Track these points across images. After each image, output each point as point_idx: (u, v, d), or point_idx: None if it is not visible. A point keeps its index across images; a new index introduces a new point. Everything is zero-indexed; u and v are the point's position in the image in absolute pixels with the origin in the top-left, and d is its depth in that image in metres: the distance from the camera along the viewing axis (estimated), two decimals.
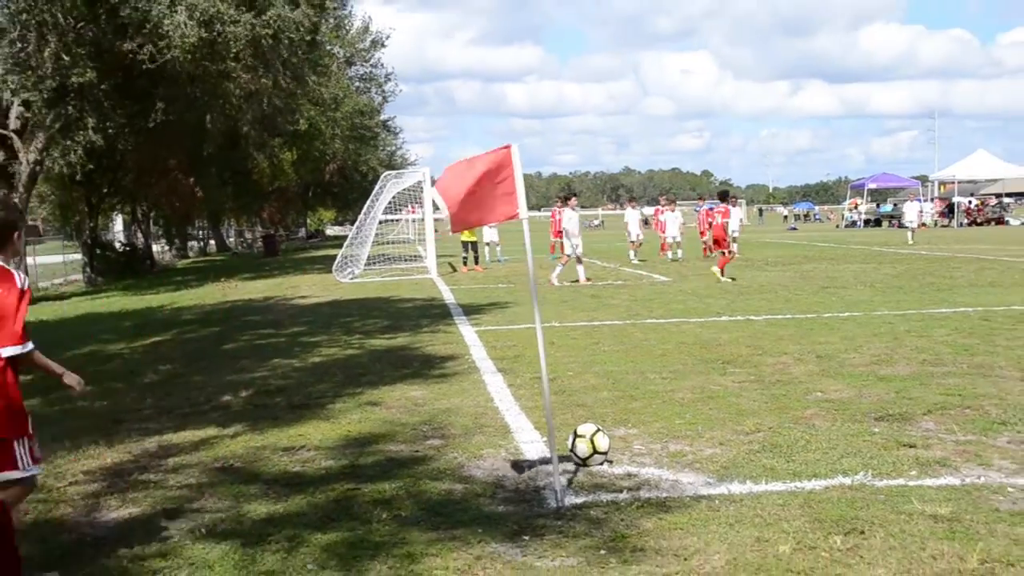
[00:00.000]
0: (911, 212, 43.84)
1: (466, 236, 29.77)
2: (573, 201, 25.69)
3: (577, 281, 22.89)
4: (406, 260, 32.55)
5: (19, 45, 26.96)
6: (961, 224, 60.61)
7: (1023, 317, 14.26)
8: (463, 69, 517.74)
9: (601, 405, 8.93)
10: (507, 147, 6.46)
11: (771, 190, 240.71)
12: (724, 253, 23.62)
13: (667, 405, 8.86)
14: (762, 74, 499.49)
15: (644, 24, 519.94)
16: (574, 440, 6.95)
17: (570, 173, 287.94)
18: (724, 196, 25.91)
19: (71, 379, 5.41)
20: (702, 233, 33.64)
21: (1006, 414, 8.12)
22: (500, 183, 6.44)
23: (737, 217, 34.12)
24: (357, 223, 32.79)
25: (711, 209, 30.08)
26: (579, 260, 23.82)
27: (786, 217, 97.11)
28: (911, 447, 7.17)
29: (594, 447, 6.88)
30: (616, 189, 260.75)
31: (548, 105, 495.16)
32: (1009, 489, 6.18)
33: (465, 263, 30.17)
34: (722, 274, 22.69)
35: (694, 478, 6.58)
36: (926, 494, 6.06)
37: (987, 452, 7.02)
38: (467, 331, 14.66)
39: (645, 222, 42.08)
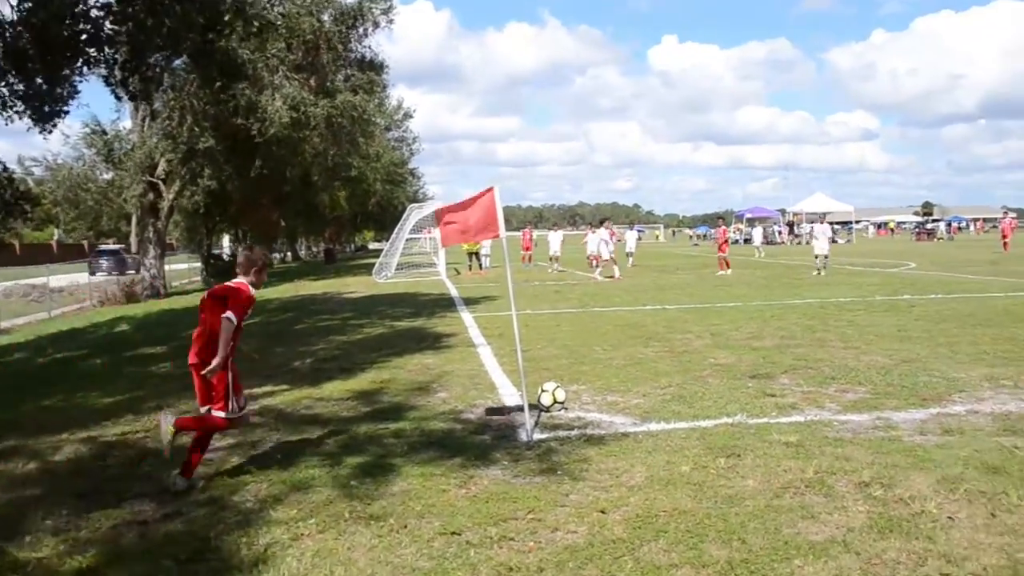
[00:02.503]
0: (757, 236, 43.65)
1: (468, 247, 29.61)
2: (607, 223, 26.93)
3: (612, 277, 23.25)
4: (424, 267, 32.44)
5: (167, 122, 27.11)
6: (808, 242, 60.99)
7: (844, 305, 14.38)
8: (465, 133, 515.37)
9: (560, 369, 8.93)
10: (491, 189, 6.46)
11: (681, 218, 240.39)
12: (724, 259, 25.20)
13: (607, 368, 8.87)
14: (672, 137, 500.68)
15: (591, 103, 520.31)
16: (540, 393, 6.94)
17: (541, 205, 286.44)
18: (719, 218, 27.25)
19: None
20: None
21: (835, 372, 8.20)
22: (487, 212, 6.44)
23: (634, 238, 33.95)
24: (390, 240, 32.72)
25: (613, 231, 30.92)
26: (614, 262, 24.46)
27: (691, 237, 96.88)
28: (772, 396, 7.21)
29: (555, 398, 6.88)
30: (573, 217, 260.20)
31: (525, 158, 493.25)
32: (835, 423, 6.23)
33: (470, 268, 30.02)
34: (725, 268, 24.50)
35: (624, 420, 6.58)
36: (781, 428, 6.09)
37: (821, 398, 7.08)
38: (466, 316, 14.63)
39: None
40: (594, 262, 25.03)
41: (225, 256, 44.02)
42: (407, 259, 32.65)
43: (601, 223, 27.20)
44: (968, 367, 8.28)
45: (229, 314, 5.23)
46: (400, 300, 19.23)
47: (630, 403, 7.16)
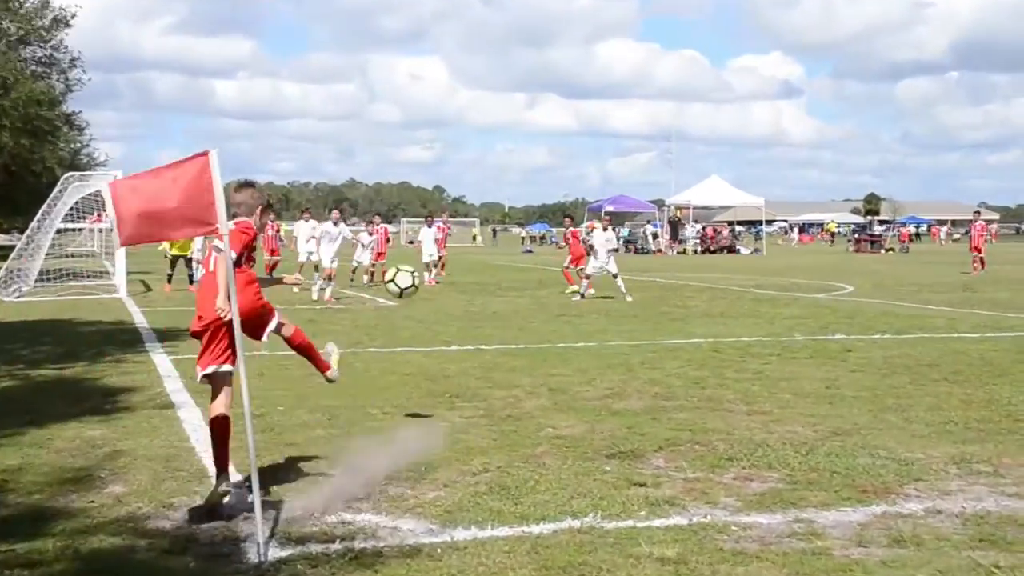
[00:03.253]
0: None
1: (176, 250, 28.85)
2: (336, 215, 28.63)
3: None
4: (89, 276, 31.27)
5: None
6: (696, 251, 64.22)
7: (749, 348, 15.33)
8: (162, 59, 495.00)
9: (315, 444, 8.86)
10: (204, 153, 6.34)
11: (507, 209, 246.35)
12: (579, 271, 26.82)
13: None
14: (497, 84, 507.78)
15: (371, 24, 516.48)
16: (397, 272, 8.40)
17: (288, 183, 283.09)
18: (566, 215, 28.89)
19: (289, 279, 8.87)
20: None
21: (733, 449, 8.66)
22: (196, 193, 6.31)
23: (431, 238, 34.53)
24: (28, 232, 31.38)
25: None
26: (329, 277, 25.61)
27: (523, 239, 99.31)
28: (641, 486, 7.49)
29: (414, 282, 7.83)
30: (340, 202, 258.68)
31: (263, 105, 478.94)
32: (733, 528, 6.56)
33: (169, 281, 29.16)
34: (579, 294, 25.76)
35: (415, 524, 6.61)
36: (654, 535, 6.33)
37: (714, 490, 7.44)
38: (161, 360, 14.23)
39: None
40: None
41: None
42: (60, 264, 31.45)
43: (333, 212, 28.40)
44: (927, 443, 8.96)
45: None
46: (44, 331, 18.64)
47: (424, 498, 7.21)
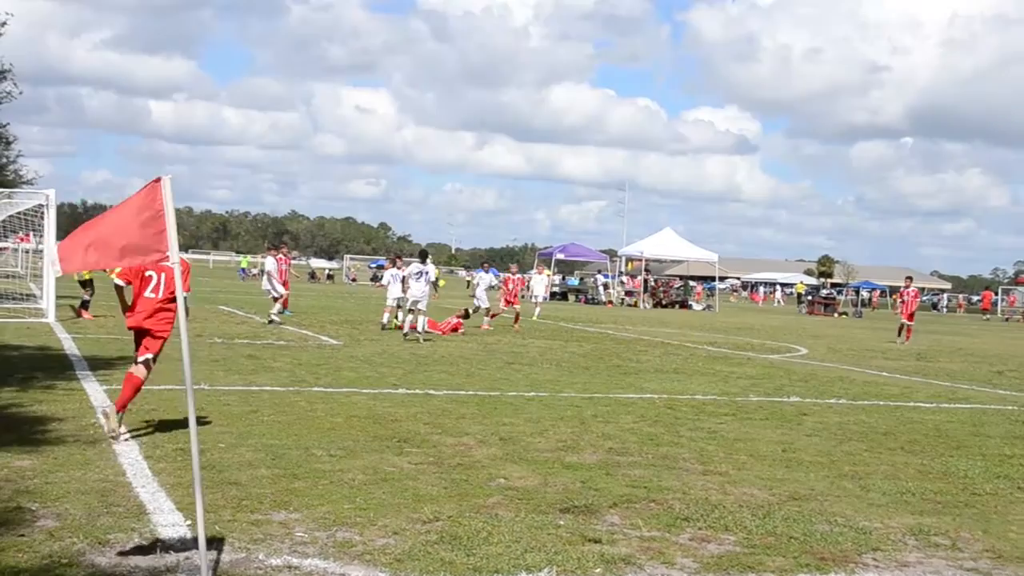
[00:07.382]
0: (539, 287, 45.07)
1: (87, 274, 28.46)
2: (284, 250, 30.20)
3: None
4: (14, 299, 30.90)
5: None
6: (647, 305, 64.74)
7: (704, 406, 15.49)
8: (94, 75, 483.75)
9: (258, 484, 8.82)
10: (157, 181, 6.38)
11: (454, 251, 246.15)
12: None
13: (335, 487, 8.89)
14: (446, 122, 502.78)
15: (317, 51, 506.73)
16: None
17: (227, 212, 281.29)
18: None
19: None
20: None
21: (689, 509, 8.75)
22: (148, 220, 6.34)
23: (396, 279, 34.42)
24: None
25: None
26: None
27: (469, 283, 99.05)
28: (596, 542, 7.55)
29: None
30: (280, 235, 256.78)
31: (200, 129, 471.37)
32: None
33: (83, 308, 28.76)
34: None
35: (364, 572, 6.62)
36: None
37: (670, 549, 7.52)
38: (94, 389, 14.07)
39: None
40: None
41: None
42: None
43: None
44: (885, 513, 9.12)
45: None
46: None
47: (373, 545, 7.22)
